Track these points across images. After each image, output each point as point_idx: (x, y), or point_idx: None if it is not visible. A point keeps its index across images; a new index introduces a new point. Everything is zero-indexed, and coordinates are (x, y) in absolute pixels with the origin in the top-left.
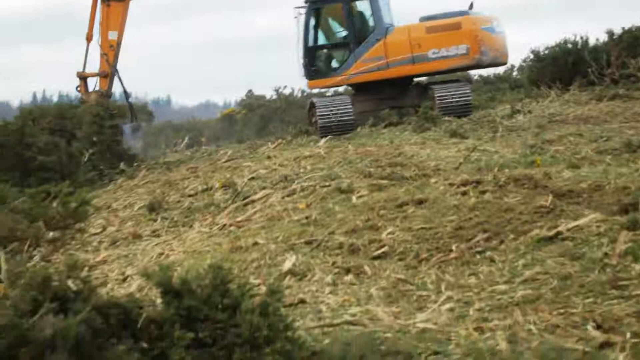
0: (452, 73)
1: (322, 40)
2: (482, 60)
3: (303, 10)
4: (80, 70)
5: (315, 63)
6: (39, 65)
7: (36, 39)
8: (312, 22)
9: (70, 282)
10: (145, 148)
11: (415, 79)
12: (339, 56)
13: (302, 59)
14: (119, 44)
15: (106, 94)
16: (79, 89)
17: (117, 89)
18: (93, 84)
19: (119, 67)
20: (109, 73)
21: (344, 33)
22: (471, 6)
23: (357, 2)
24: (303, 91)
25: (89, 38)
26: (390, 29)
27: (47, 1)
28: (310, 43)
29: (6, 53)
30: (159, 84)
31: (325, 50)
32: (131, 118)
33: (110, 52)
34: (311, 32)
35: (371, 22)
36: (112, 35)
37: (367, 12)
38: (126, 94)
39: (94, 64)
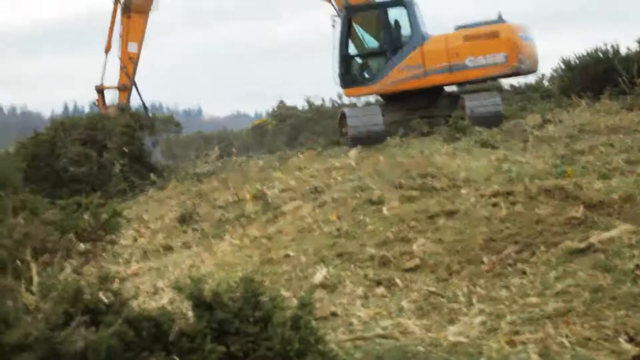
0: (489, 81)
1: (358, 48)
2: (521, 68)
3: (339, 19)
4: (98, 83)
5: (351, 71)
6: (70, 75)
7: (68, 49)
8: (348, 30)
9: (101, 295)
10: (173, 159)
11: (446, 89)
12: (376, 64)
13: (338, 68)
14: (138, 56)
15: (125, 107)
16: (96, 102)
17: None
18: (110, 96)
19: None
20: (128, 86)
21: (380, 41)
22: (499, 16)
23: (393, 10)
24: (334, 101)
25: (107, 50)
26: (426, 37)
27: (82, 11)
28: (347, 51)
29: (38, 63)
30: (190, 94)
31: (361, 59)
32: (152, 131)
33: (130, 65)
34: (347, 40)
35: (407, 30)
36: (132, 48)
37: (403, 20)
38: (145, 108)
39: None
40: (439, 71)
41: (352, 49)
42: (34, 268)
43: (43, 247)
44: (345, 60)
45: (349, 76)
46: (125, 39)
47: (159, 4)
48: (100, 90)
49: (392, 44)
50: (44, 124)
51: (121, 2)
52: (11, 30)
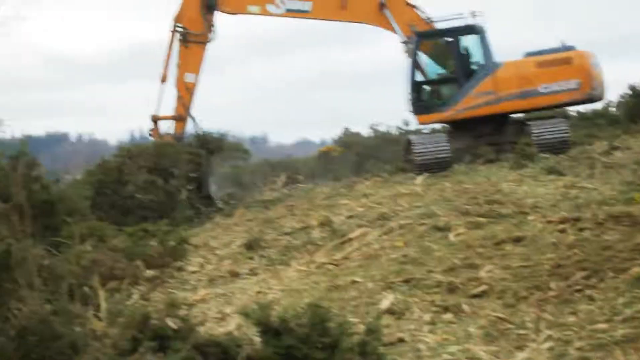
0: (562, 108)
1: (430, 74)
2: (593, 94)
3: (411, 45)
4: (154, 113)
5: (423, 98)
6: (137, 103)
7: (135, 77)
8: (420, 56)
9: (169, 321)
10: (240, 187)
11: (512, 115)
12: (448, 91)
13: (410, 94)
14: (195, 87)
15: (180, 137)
16: (151, 132)
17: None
18: (165, 126)
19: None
20: (184, 116)
21: (450, 68)
22: (563, 43)
23: (465, 37)
24: (399, 128)
25: (163, 80)
26: (499, 63)
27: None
28: (418, 78)
29: (105, 91)
30: (256, 121)
31: (433, 85)
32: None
33: (186, 95)
34: (419, 66)
35: (477, 57)
36: (189, 78)
37: (474, 47)
38: (204, 139)
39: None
40: (512, 97)
41: (430, 74)
42: (101, 294)
43: (111, 273)
44: (417, 87)
45: (421, 103)
46: (182, 69)
47: (216, 35)
48: (156, 120)
49: (464, 70)
50: (111, 151)
51: (178, 33)
52: (79, 58)
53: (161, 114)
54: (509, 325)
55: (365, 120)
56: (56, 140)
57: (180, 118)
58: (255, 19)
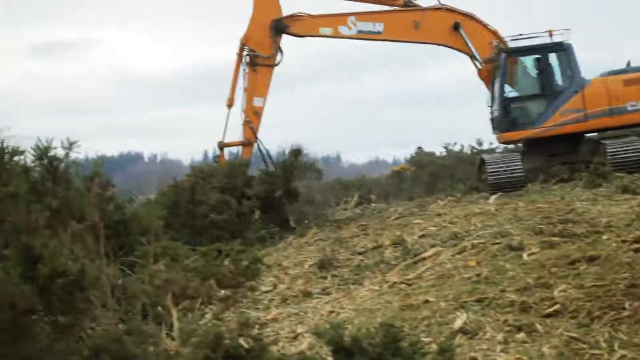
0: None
1: (517, 91)
2: None
3: (497, 63)
4: (220, 139)
5: (511, 115)
6: (210, 123)
7: (208, 98)
8: (507, 73)
9: (242, 340)
10: (312, 206)
11: (587, 135)
12: (536, 108)
13: (497, 111)
14: (262, 110)
15: (248, 163)
16: (217, 159)
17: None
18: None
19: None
20: (252, 141)
21: (537, 85)
22: (629, 64)
23: (553, 54)
24: (472, 147)
25: (230, 104)
26: (587, 81)
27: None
28: (506, 95)
29: (179, 111)
30: (329, 141)
31: (521, 102)
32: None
33: (255, 120)
34: (506, 83)
35: (564, 74)
36: (257, 102)
37: (561, 64)
38: (273, 163)
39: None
40: (600, 115)
41: (517, 91)
42: (174, 314)
43: (184, 293)
44: (505, 104)
45: (508, 120)
46: (250, 93)
47: (283, 58)
48: (222, 147)
49: (552, 88)
50: (184, 171)
51: (245, 56)
52: (151, 79)
53: (227, 139)
54: (583, 345)
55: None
56: (129, 160)
57: (248, 143)
58: (326, 39)
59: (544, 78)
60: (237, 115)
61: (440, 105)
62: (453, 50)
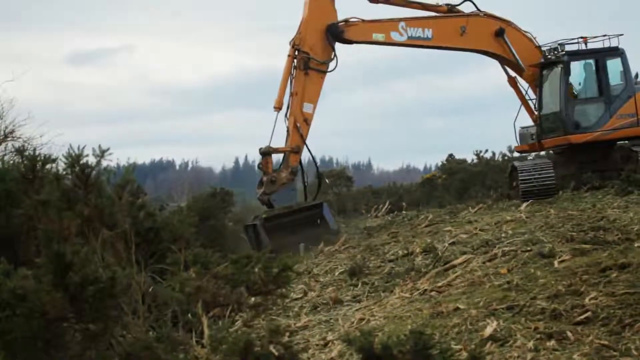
0: None
1: (570, 96)
2: None
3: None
4: (266, 144)
5: (574, 118)
6: (242, 130)
7: (240, 105)
8: (565, 78)
9: (272, 348)
10: (344, 214)
11: (618, 142)
12: (595, 112)
13: (564, 113)
14: (312, 117)
15: (296, 170)
16: (261, 165)
17: None
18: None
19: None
20: (301, 148)
21: (595, 89)
22: (637, 76)
23: (610, 60)
24: (503, 155)
25: (278, 107)
26: (638, 87)
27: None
28: (566, 100)
29: (211, 119)
30: (360, 148)
31: (581, 105)
32: (315, 196)
33: (304, 126)
34: (568, 87)
35: (618, 79)
36: (307, 108)
37: (615, 69)
38: (319, 172)
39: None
40: None
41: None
42: (205, 321)
43: (214, 300)
44: (569, 106)
45: (572, 122)
46: (300, 98)
47: (337, 64)
48: (268, 153)
49: (608, 92)
50: (215, 178)
51: (297, 58)
52: (183, 87)
53: (274, 145)
54: (614, 353)
55: (470, 147)
56: (161, 167)
57: (297, 150)
58: (362, 47)
59: (603, 82)
60: (281, 120)
61: (472, 112)
62: (485, 58)
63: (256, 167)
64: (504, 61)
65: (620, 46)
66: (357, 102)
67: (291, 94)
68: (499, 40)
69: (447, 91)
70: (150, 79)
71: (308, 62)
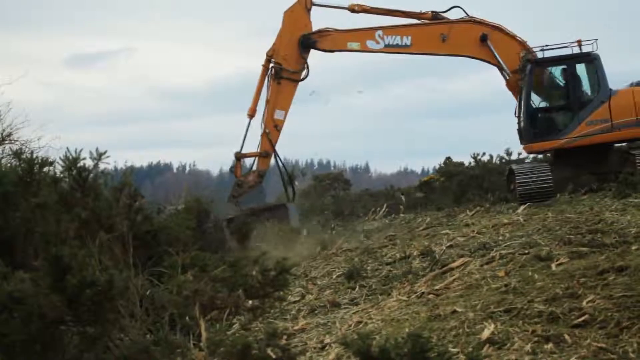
0: None
1: (544, 102)
2: None
3: (525, 73)
4: (238, 149)
5: (537, 125)
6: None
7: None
8: (534, 84)
9: (269, 351)
10: (341, 217)
11: (616, 145)
12: (562, 119)
13: (524, 122)
14: (283, 124)
15: (263, 173)
16: (233, 169)
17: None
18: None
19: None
20: (270, 153)
21: (565, 95)
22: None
23: (581, 65)
24: (501, 158)
25: (251, 115)
26: (613, 91)
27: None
28: (532, 105)
29: (209, 122)
30: (358, 151)
31: (547, 113)
32: (292, 198)
33: (274, 132)
34: (533, 94)
35: (591, 85)
36: (278, 115)
37: (589, 75)
38: (288, 175)
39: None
40: (627, 125)
41: (544, 102)
42: (202, 324)
43: (212, 303)
44: (531, 115)
45: (535, 131)
46: (272, 106)
47: (309, 74)
48: (239, 158)
49: (579, 98)
50: (212, 181)
51: (270, 68)
52: (182, 90)
53: (246, 150)
54: (611, 356)
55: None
56: (158, 170)
57: (266, 154)
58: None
59: (571, 88)
60: (258, 126)
61: (469, 115)
62: (483, 61)
63: (230, 172)
64: (498, 66)
65: (594, 51)
66: (354, 105)
67: (265, 102)
68: (483, 46)
69: (445, 94)
70: (149, 81)
71: (280, 72)
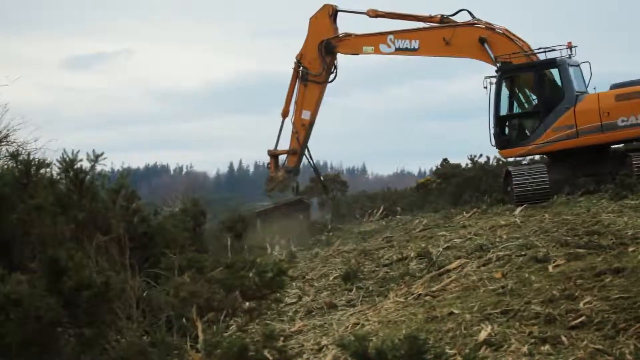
0: None
1: (512, 109)
2: None
3: (493, 80)
4: (272, 147)
5: (506, 132)
6: (236, 135)
7: (234, 110)
8: (503, 91)
9: (266, 352)
10: (339, 218)
11: (613, 147)
12: (530, 124)
13: (493, 128)
14: (311, 123)
15: (293, 170)
16: (269, 166)
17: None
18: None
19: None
20: (298, 151)
21: (534, 101)
22: None
23: (548, 71)
24: (498, 159)
25: (284, 114)
26: (580, 97)
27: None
28: (501, 112)
29: (205, 124)
30: (355, 153)
31: (516, 119)
32: (325, 192)
33: (302, 131)
34: (502, 101)
35: (560, 90)
36: (305, 115)
37: (558, 81)
38: (317, 172)
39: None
40: (591, 131)
41: (512, 109)
42: (199, 326)
43: (208, 305)
44: (500, 121)
45: (504, 137)
46: (300, 106)
47: (336, 76)
48: (273, 155)
49: (546, 104)
50: (209, 183)
51: (300, 71)
52: (179, 92)
53: (279, 149)
54: (608, 357)
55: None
56: (155, 172)
57: (294, 152)
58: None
59: (538, 95)
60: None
61: (466, 116)
62: (481, 63)
63: (266, 167)
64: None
65: (559, 57)
66: (352, 106)
67: (294, 103)
68: (482, 49)
69: (442, 95)
70: (147, 83)
71: (306, 75)
